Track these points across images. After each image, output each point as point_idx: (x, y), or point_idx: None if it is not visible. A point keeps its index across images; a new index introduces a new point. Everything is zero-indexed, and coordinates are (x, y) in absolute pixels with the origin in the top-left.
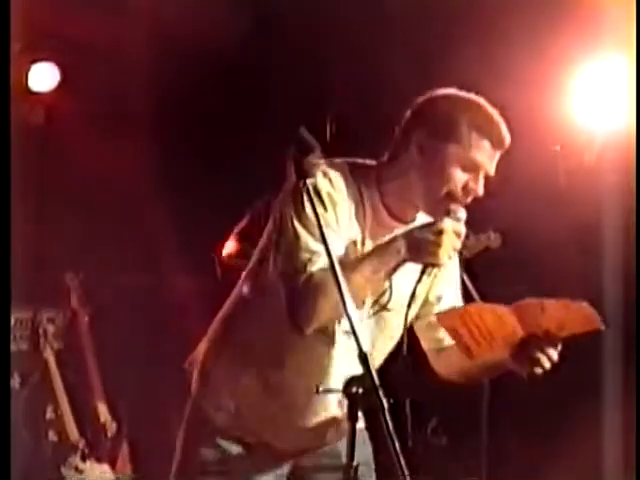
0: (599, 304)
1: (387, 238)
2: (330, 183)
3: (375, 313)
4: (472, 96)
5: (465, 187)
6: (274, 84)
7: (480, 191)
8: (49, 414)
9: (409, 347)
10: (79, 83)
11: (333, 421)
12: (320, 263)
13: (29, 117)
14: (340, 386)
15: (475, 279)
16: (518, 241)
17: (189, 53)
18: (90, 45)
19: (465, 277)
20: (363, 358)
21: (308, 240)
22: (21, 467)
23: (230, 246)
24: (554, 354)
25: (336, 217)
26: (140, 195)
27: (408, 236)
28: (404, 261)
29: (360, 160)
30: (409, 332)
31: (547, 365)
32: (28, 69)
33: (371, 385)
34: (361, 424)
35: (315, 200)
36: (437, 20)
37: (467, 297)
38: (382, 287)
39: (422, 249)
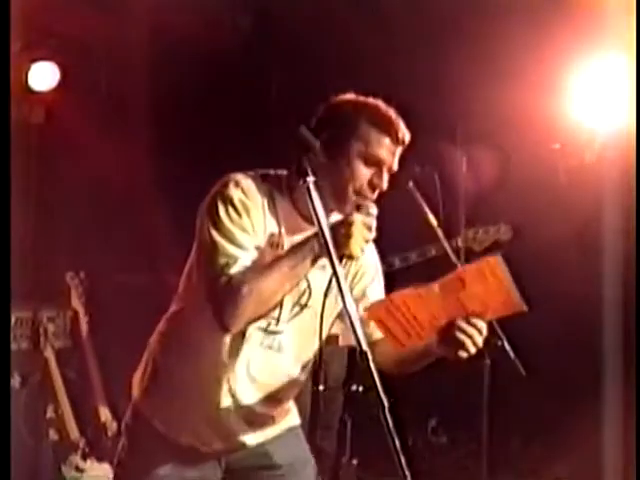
0: (599, 303)
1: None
2: (242, 191)
3: (297, 314)
4: (369, 99)
5: (370, 182)
6: (274, 84)
7: (384, 186)
8: (49, 413)
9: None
10: (79, 83)
11: (252, 419)
12: (238, 266)
13: (29, 117)
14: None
15: None
16: (518, 239)
17: (189, 53)
18: (90, 45)
19: None
20: (363, 357)
21: (225, 245)
22: (21, 466)
23: None
24: (479, 338)
25: (251, 222)
26: (140, 195)
27: (297, 173)
28: (318, 257)
29: (272, 171)
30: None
31: (472, 349)
32: (28, 69)
33: (371, 383)
34: (296, 421)
35: (229, 207)
36: (437, 20)
37: None
38: (300, 286)
39: (334, 242)
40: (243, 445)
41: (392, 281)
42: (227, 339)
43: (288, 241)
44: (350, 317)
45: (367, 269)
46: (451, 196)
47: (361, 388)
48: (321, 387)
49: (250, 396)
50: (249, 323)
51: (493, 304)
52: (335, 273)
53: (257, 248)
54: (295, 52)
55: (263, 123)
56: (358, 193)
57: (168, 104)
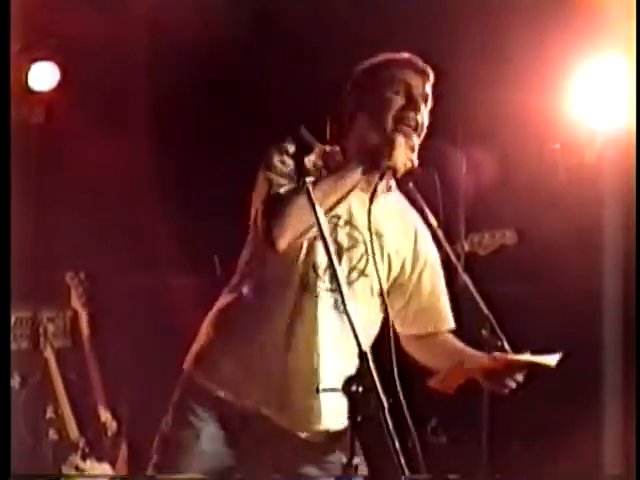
0: (599, 303)
1: None
2: (298, 145)
3: (355, 280)
4: (381, 56)
5: (406, 107)
6: (274, 83)
7: (421, 119)
8: (49, 413)
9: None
10: (79, 83)
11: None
12: (287, 188)
13: (29, 117)
14: (331, 343)
15: (475, 279)
16: (518, 240)
17: (189, 53)
18: (90, 45)
19: (466, 277)
20: (363, 357)
21: (276, 178)
22: (21, 466)
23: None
24: (520, 379)
25: (304, 167)
26: (140, 195)
27: (363, 153)
28: (364, 172)
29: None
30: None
31: (513, 387)
32: (28, 69)
33: (371, 384)
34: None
35: (283, 155)
36: (437, 20)
37: (469, 298)
38: (358, 251)
39: (376, 156)
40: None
41: None
42: (293, 297)
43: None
44: (350, 317)
45: (428, 261)
46: (451, 196)
47: (361, 389)
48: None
49: (320, 360)
50: (295, 237)
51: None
52: (335, 273)
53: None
54: (296, 52)
55: (263, 123)
56: (397, 119)
57: (168, 104)
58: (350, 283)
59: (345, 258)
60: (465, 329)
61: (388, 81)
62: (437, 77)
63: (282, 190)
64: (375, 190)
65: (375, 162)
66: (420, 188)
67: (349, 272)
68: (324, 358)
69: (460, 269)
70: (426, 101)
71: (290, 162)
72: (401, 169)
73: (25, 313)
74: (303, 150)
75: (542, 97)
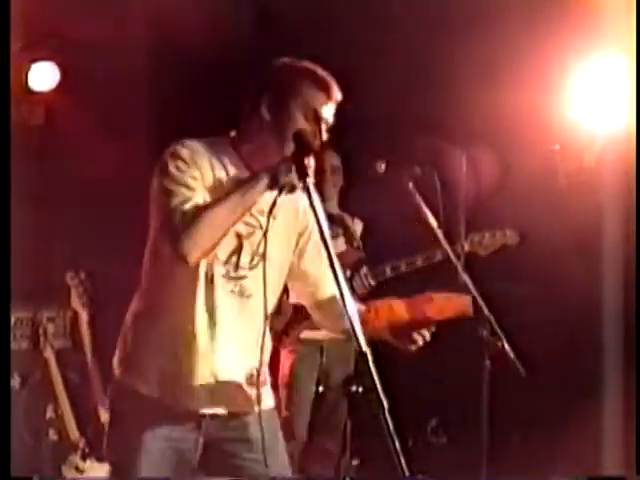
0: (599, 305)
1: None
2: (189, 149)
3: (257, 264)
4: (306, 62)
5: (312, 134)
6: None
7: (324, 138)
8: (49, 413)
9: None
10: (79, 83)
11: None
12: (191, 203)
13: (29, 117)
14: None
15: (476, 278)
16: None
17: (189, 53)
18: (90, 45)
19: (466, 277)
20: (363, 357)
21: (177, 189)
22: (21, 466)
23: None
24: (427, 335)
25: (200, 172)
26: (140, 195)
27: (268, 169)
28: (269, 187)
29: (216, 135)
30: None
31: (420, 343)
32: (28, 69)
33: (371, 384)
34: (271, 403)
35: (178, 162)
36: (437, 20)
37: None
38: (256, 237)
39: (278, 174)
40: (227, 403)
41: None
42: (194, 288)
43: None
44: (350, 317)
45: (313, 229)
46: (451, 197)
47: (361, 389)
48: (320, 388)
49: (221, 344)
50: (205, 253)
51: (449, 310)
52: (334, 272)
53: (207, 192)
54: (296, 52)
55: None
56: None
57: (168, 104)
58: (251, 268)
59: (246, 244)
60: (465, 329)
61: (297, 100)
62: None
63: (187, 206)
64: (274, 203)
65: (276, 179)
66: (420, 188)
67: (251, 258)
68: (224, 345)
69: (460, 269)
70: (328, 122)
71: (185, 167)
72: (299, 187)
73: (25, 313)
74: (303, 150)
75: (542, 99)
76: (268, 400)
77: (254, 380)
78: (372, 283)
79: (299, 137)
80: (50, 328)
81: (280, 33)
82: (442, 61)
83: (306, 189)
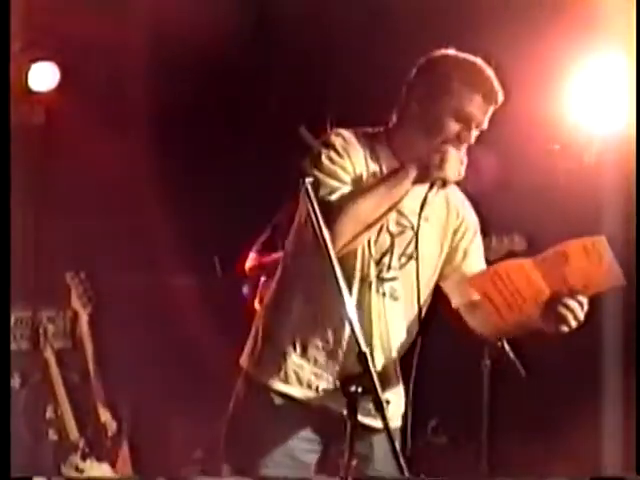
0: (598, 305)
1: None
2: (343, 139)
3: (405, 264)
4: (467, 55)
5: (458, 136)
6: (274, 84)
7: (471, 141)
8: (49, 414)
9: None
10: (79, 83)
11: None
12: (337, 195)
13: (29, 117)
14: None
15: None
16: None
17: (189, 53)
18: (90, 45)
19: None
20: (363, 357)
21: (325, 179)
22: (21, 466)
23: (252, 258)
24: (580, 312)
25: (352, 164)
26: (140, 195)
27: (415, 160)
28: (417, 181)
29: (366, 129)
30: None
31: (573, 323)
32: (28, 69)
33: (370, 384)
34: (398, 423)
35: (330, 151)
36: (436, 20)
37: None
38: (407, 236)
39: (429, 166)
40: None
41: None
42: (348, 287)
43: None
44: (350, 318)
45: (468, 226)
46: None
47: (360, 389)
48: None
49: (370, 348)
50: (348, 245)
51: (595, 279)
52: (334, 272)
53: (358, 185)
54: (297, 54)
55: (264, 123)
56: (445, 143)
57: (168, 104)
58: (400, 269)
59: (396, 243)
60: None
61: (449, 99)
62: None
63: (333, 197)
64: (425, 199)
65: (426, 172)
66: None
67: (399, 257)
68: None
69: None
70: (480, 125)
71: (337, 158)
72: (451, 181)
73: (25, 313)
74: (303, 150)
75: (541, 98)
76: (396, 419)
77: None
78: None
79: (299, 135)
80: (50, 328)
81: (280, 32)
82: None
83: (306, 189)
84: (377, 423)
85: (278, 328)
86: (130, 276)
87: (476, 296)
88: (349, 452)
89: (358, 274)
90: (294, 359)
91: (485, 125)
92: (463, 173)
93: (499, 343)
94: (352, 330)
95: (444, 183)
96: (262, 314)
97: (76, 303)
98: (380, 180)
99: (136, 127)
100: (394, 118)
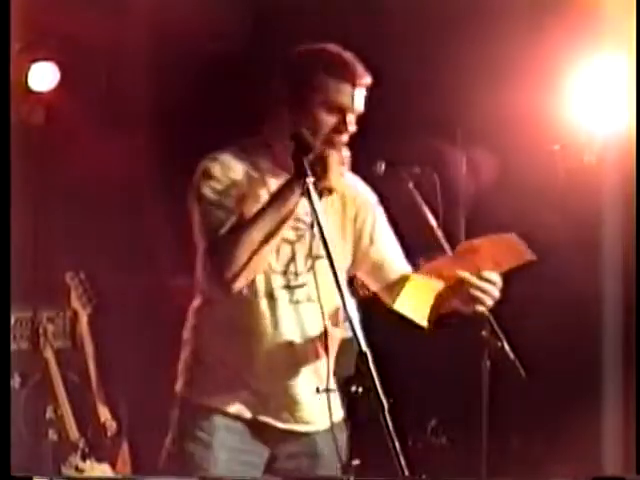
0: (599, 305)
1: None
2: (220, 164)
3: (312, 266)
4: (322, 45)
5: (336, 129)
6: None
7: (351, 129)
8: (49, 414)
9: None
10: (79, 83)
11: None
12: (227, 227)
13: (29, 117)
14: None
15: None
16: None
17: (189, 53)
18: (90, 45)
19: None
20: (363, 357)
21: (213, 212)
22: (21, 466)
23: None
24: (493, 290)
25: (236, 188)
26: (140, 195)
27: (296, 174)
28: (303, 194)
29: (249, 138)
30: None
31: (489, 302)
32: (28, 69)
33: (371, 384)
34: (341, 414)
35: (211, 181)
36: (436, 20)
37: None
38: (307, 238)
39: (312, 177)
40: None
41: None
42: (256, 305)
43: None
44: (350, 317)
45: (367, 211)
46: (451, 197)
47: (361, 389)
48: (321, 388)
49: (288, 357)
50: (252, 273)
51: (503, 258)
52: (334, 273)
53: (246, 208)
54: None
55: (264, 123)
56: (325, 140)
57: (168, 104)
58: (309, 272)
59: (299, 248)
60: (465, 329)
61: (317, 93)
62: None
63: (223, 231)
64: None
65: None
66: (420, 188)
67: (305, 261)
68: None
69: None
70: (356, 110)
71: (220, 187)
72: (337, 187)
73: (25, 313)
74: (303, 150)
75: (541, 98)
76: (338, 411)
77: (323, 390)
78: None
79: (298, 137)
80: (50, 328)
81: (280, 32)
82: (442, 61)
83: (306, 189)
84: (299, 427)
85: (205, 347)
86: (130, 276)
87: (392, 276)
88: (349, 452)
89: (263, 291)
90: (223, 376)
91: (361, 108)
92: (347, 170)
93: (499, 343)
94: (352, 329)
95: (330, 191)
96: (189, 336)
97: (76, 303)
98: (268, 202)
99: (136, 127)
100: (267, 125)
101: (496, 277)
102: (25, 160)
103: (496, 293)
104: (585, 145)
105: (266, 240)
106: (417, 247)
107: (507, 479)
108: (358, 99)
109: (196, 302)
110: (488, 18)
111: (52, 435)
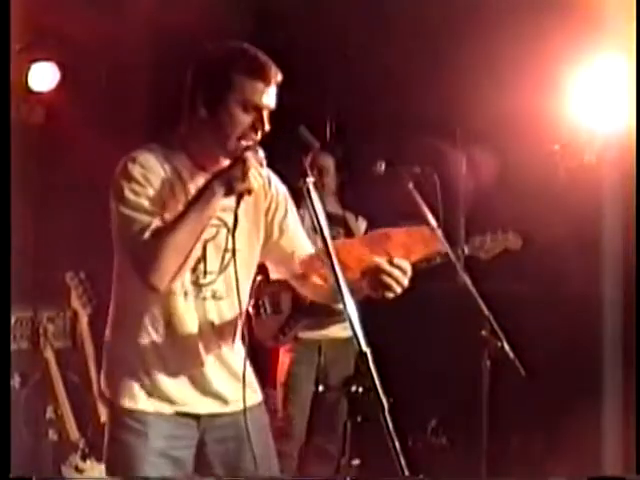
0: (599, 303)
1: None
2: (140, 165)
3: (229, 261)
4: (236, 43)
5: (252, 127)
6: None
7: (266, 127)
8: (49, 414)
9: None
10: (79, 83)
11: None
12: (151, 229)
13: (29, 117)
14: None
15: (475, 278)
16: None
17: (189, 53)
18: (90, 45)
19: (466, 277)
20: (363, 357)
21: (135, 216)
22: (21, 466)
23: None
24: (403, 278)
25: (155, 189)
26: None
27: (217, 176)
28: (225, 194)
29: (166, 135)
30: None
31: (397, 289)
32: (28, 69)
33: (371, 384)
34: (259, 398)
35: (131, 183)
36: (437, 20)
37: (468, 298)
38: (220, 234)
39: (232, 181)
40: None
41: None
42: (163, 302)
43: (193, 192)
44: (350, 318)
45: (279, 202)
46: (451, 197)
47: (361, 389)
48: (320, 388)
49: (201, 350)
50: (176, 276)
51: (415, 248)
52: (334, 273)
53: (166, 208)
54: (295, 53)
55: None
56: (241, 138)
57: (168, 104)
58: (223, 270)
59: (211, 247)
60: (465, 329)
61: (232, 93)
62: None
63: (147, 234)
64: (236, 217)
65: (231, 187)
66: (420, 188)
67: (222, 258)
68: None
69: (459, 269)
70: (270, 107)
71: (139, 189)
72: (256, 188)
73: (25, 313)
74: (303, 150)
75: (542, 98)
76: (253, 397)
77: (239, 378)
78: None
79: (298, 135)
80: (50, 328)
81: (280, 32)
82: (442, 61)
83: (306, 189)
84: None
85: (123, 347)
86: None
87: (300, 270)
88: (349, 452)
89: (174, 287)
90: (140, 376)
91: (273, 106)
92: (264, 173)
93: (499, 343)
94: (352, 330)
95: (250, 192)
96: (108, 338)
97: (76, 303)
98: (189, 205)
99: (136, 127)
100: (184, 124)
101: (407, 265)
102: (25, 160)
103: (405, 282)
104: (585, 144)
105: (189, 243)
106: None
107: (507, 479)
108: (272, 97)
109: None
110: (488, 18)
111: (52, 435)
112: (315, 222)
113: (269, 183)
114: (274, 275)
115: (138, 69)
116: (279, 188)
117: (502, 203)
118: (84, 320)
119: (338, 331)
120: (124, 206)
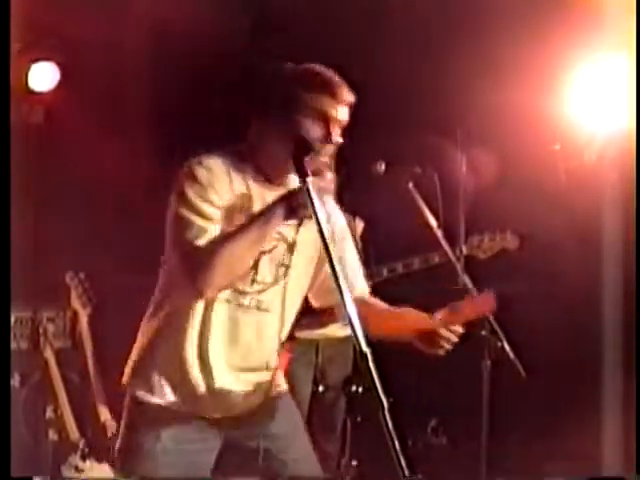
0: (599, 304)
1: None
2: (206, 169)
3: (282, 275)
4: (306, 66)
5: (321, 137)
6: None
7: (336, 139)
8: (49, 413)
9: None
10: (79, 83)
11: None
12: (207, 237)
13: (29, 117)
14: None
15: (475, 278)
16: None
17: (189, 52)
18: (90, 45)
19: (466, 278)
20: (363, 357)
21: (193, 219)
22: (21, 466)
23: None
24: (454, 338)
25: (218, 195)
26: (140, 194)
27: (282, 200)
28: (286, 218)
29: (233, 146)
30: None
31: (448, 347)
32: (28, 69)
33: (371, 384)
34: (284, 387)
35: (194, 185)
36: (437, 20)
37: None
38: (280, 248)
39: (295, 206)
40: (237, 409)
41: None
42: (206, 305)
43: (258, 204)
44: (350, 318)
45: (338, 235)
46: (451, 197)
47: (361, 389)
48: (320, 388)
49: (236, 358)
50: (224, 287)
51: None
52: (334, 273)
53: (227, 217)
54: (296, 53)
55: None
56: (310, 149)
57: (168, 104)
58: (275, 282)
59: (265, 259)
60: (465, 329)
61: (303, 108)
62: (436, 83)
63: (202, 241)
64: (298, 230)
65: (294, 212)
66: (420, 188)
67: (276, 271)
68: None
69: (460, 270)
70: (341, 122)
71: (203, 192)
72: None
73: (25, 313)
74: (303, 151)
75: (542, 98)
76: (282, 385)
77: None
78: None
79: (298, 137)
80: (50, 328)
81: (280, 33)
82: (443, 61)
83: (306, 189)
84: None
85: (150, 341)
86: (130, 276)
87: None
88: (348, 452)
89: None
90: (159, 371)
91: (346, 121)
92: (331, 196)
93: (499, 343)
94: (352, 330)
95: (311, 216)
96: (142, 330)
97: (76, 303)
98: (250, 222)
99: (136, 127)
100: (254, 134)
101: (460, 329)
102: (25, 160)
103: (455, 340)
104: (585, 145)
105: (244, 257)
106: (417, 247)
107: (507, 479)
108: (342, 113)
109: (155, 298)
110: (489, 18)
111: (52, 435)
112: (315, 221)
113: (333, 215)
114: (316, 304)
115: (138, 69)
116: (341, 223)
117: (502, 203)
118: (84, 320)
119: (335, 330)
120: (184, 207)
